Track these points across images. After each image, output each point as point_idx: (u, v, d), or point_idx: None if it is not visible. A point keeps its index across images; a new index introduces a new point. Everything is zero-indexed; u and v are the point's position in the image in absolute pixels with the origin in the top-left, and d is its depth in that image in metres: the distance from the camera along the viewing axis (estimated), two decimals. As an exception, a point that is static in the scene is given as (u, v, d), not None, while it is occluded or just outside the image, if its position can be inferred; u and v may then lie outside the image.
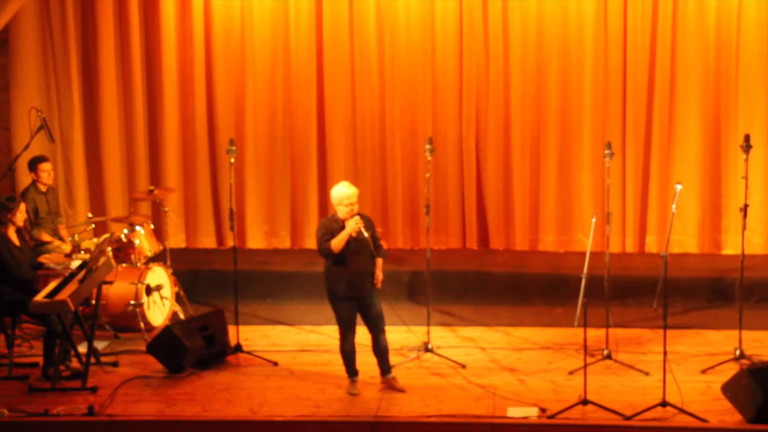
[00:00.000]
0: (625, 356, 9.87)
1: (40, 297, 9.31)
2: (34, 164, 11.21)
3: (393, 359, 9.40)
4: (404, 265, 12.02)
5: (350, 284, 9.14)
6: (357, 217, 9.08)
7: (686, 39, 12.35)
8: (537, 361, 10.02)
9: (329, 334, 10.72)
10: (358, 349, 9.58)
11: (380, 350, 9.30)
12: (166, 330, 9.90)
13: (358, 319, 9.32)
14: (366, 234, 9.06)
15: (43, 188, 11.22)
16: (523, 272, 12.04)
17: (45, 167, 11.19)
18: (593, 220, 9.44)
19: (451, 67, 12.65)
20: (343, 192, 9.14)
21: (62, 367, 9.59)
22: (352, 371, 9.33)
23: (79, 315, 9.83)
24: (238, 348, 10.17)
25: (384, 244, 9.38)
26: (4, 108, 12.72)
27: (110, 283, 10.56)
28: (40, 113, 11.23)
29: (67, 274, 9.79)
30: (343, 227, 9.09)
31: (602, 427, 8.56)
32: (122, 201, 12.90)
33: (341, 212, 9.13)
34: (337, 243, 9.05)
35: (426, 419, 8.71)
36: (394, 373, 9.38)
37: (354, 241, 9.08)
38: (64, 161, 12.78)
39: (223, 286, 11.10)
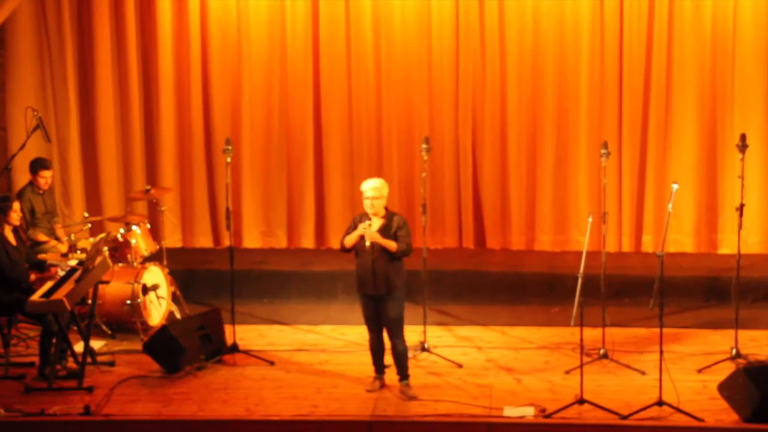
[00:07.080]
0: (621, 355, 9.88)
1: (36, 297, 9.30)
2: (35, 168, 11.18)
3: (388, 359, 9.35)
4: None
5: (360, 282, 9.15)
6: (367, 222, 9.02)
7: (682, 38, 12.35)
8: (533, 360, 10.02)
9: (326, 333, 10.74)
10: (352, 348, 9.55)
11: (396, 355, 9.22)
12: (163, 330, 9.89)
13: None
14: (368, 243, 8.98)
15: (39, 189, 11.21)
16: (519, 272, 12.03)
17: (44, 174, 11.15)
18: (589, 219, 9.42)
19: (448, 67, 12.64)
20: (362, 186, 9.16)
21: (59, 367, 9.58)
22: (376, 368, 9.33)
23: (76, 314, 9.82)
24: (235, 347, 10.16)
25: (398, 245, 9.04)
26: (0, 107, 12.72)
27: (107, 282, 10.54)
28: (36, 113, 11.23)
29: (65, 274, 9.81)
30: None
31: (599, 426, 8.57)
32: (119, 200, 12.89)
33: (364, 206, 9.13)
34: (348, 239, 9.10)
35: (422, 419, 8.70)
36: (393, 373, 9.33)
37: (365, 242, 9.04)
38: (61, 161, 12.76)
39: (219, 286, 11.10)
